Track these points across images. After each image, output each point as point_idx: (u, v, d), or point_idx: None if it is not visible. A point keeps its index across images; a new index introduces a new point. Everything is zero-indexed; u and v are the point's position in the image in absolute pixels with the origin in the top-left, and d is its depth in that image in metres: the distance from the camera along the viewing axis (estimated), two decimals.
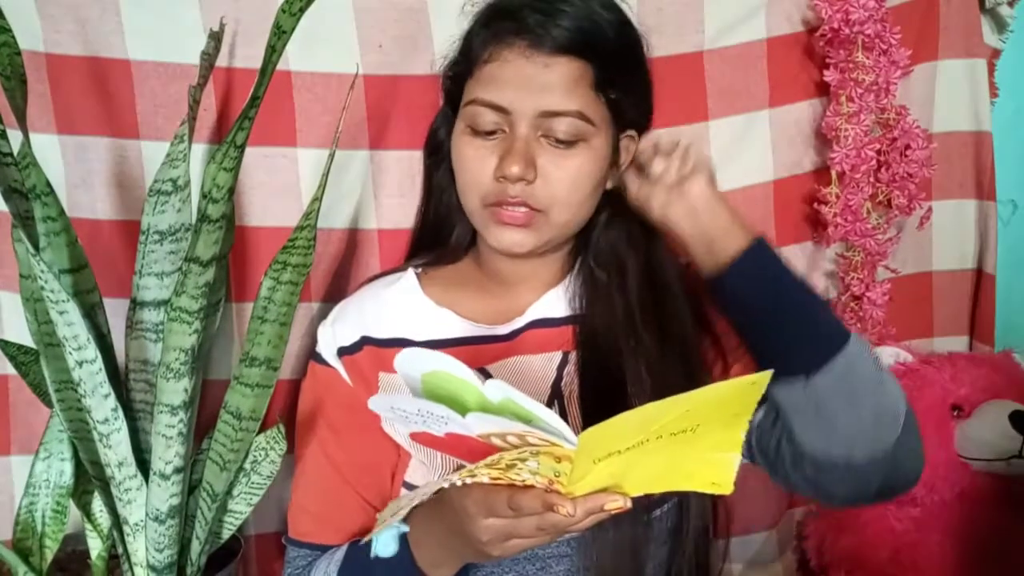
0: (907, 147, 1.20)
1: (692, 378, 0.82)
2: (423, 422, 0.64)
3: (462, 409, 0.61)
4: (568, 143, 0.80)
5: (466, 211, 0.87)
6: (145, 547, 0.83)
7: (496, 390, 0.60)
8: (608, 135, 0.83)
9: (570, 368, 0.87)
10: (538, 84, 0.78)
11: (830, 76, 1.16)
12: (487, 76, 0.80)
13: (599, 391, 0.84)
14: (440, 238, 0.94)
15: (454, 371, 0.62)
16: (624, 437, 0.59)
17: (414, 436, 0.75)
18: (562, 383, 0.87)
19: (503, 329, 0.89)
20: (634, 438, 0.59)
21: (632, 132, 0.87)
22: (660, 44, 1.12)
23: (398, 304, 0.91)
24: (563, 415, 0.86)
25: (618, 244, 0.89)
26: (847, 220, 1.19)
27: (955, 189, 1.32)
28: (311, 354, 0.92)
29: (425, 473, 0.86)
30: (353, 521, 0.88)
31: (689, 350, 0.85)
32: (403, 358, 0.64)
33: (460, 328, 0.89)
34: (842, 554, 1.25)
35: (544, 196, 0.81)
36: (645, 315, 0.86)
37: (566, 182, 0.81)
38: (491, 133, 0.81)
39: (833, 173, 1.19)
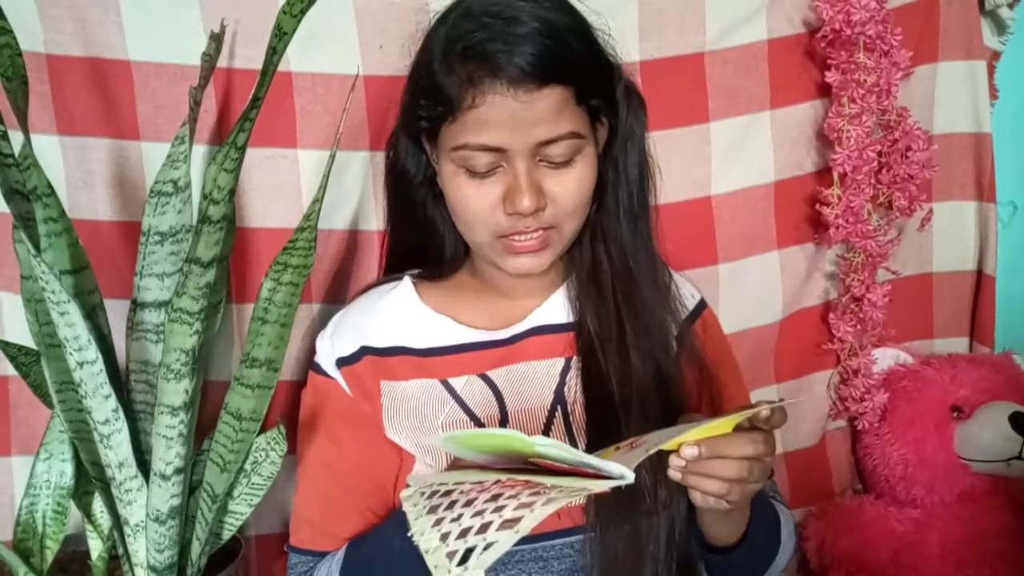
0: (908, 148, 1.20)
1: (666, 386, 0.86)
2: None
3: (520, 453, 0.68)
4: (566, 162, 0.81)
5: (472, 244, 0.87)
6: (145, 548, 0.83)
7: (547, 445, 0.64)
8: (593, 136, 0.84)
9: (572, 373, 0.88)
10: (528, 119, 0.77)
11: (831, 77, 1.16)
12: (474, 120, 0.78)
13: (601, 397, 0.85)
14: (425, 255, 0.93)
15: (503, 432, 0.67)
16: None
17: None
18: (565, 388, 0.87)
19: (503, 334, 0.89)
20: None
21: (603, 119, 0.86)
22: (661, 45, 1.12)
23: (396, 312, 0.90)
24: (566, 420, 0.86)
25: (597, 251, 0.89)
26: (848, 221, 1.19)
27: (955, 191, 1.32)
28: (310, 364, 0.92)
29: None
30: (354, 529, 0.88)
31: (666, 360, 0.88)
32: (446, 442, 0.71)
33: (459, 335, 0.89)
34: (842, 555, 1.25)
35: (556, 215, 0.82)
36: (621, 323, 0.87)
37: (573, 196, 0.81)
38: (488, 172, 0.80)
39: (835, 174, 1.19)
